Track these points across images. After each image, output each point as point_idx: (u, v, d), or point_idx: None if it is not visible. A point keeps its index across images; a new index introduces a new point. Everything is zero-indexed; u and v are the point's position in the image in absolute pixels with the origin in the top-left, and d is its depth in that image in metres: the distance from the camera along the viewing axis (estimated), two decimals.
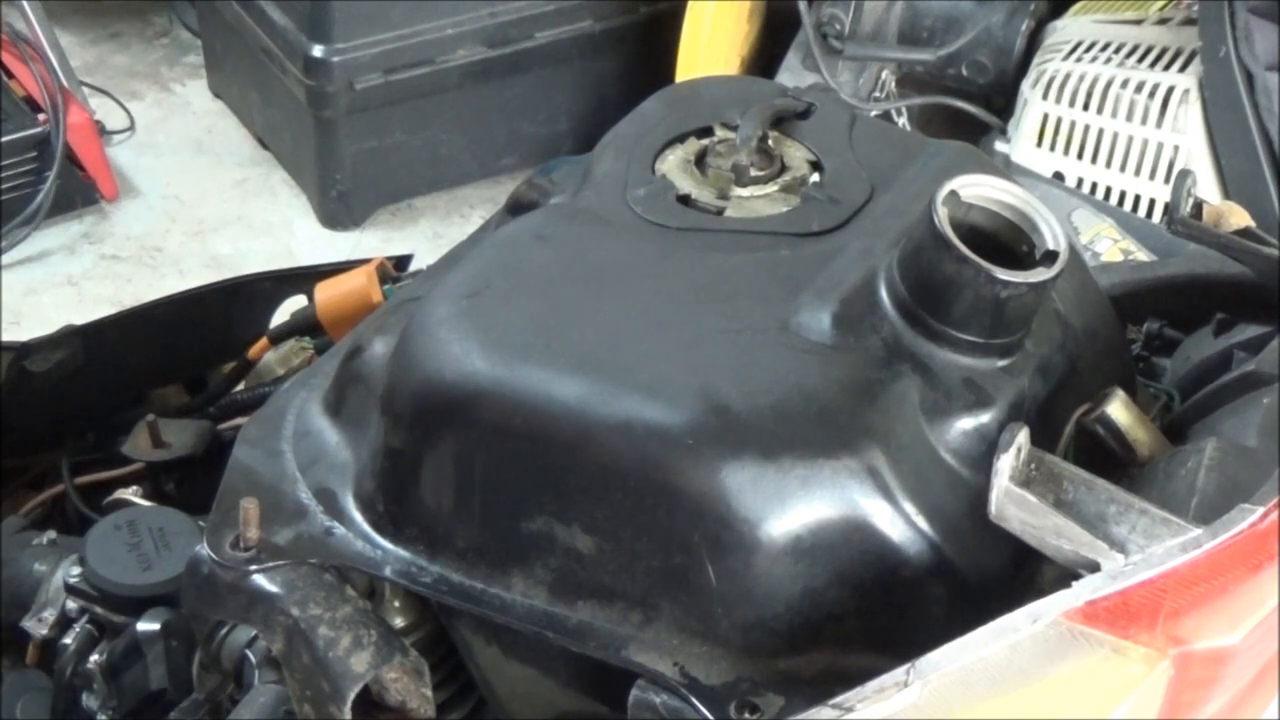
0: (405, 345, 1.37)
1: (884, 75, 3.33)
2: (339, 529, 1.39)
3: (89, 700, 1.70)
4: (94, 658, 1.70)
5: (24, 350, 2.14)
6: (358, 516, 1.40)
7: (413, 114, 3.58)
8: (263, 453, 1.46)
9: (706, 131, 1.55)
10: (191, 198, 3.71)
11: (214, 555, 1.39)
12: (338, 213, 3.63)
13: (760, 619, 1.25)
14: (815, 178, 1.50)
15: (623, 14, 3.67)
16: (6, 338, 2.46)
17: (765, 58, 3.48)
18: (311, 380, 1.52)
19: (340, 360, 1.48)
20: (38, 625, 1.75)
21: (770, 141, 1.53)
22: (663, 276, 1.38)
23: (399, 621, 1.41)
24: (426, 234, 3.61)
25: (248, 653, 1.51)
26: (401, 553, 1.37)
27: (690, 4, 3.34)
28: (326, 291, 2.01)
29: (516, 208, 1.58)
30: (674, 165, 1.51)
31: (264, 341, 2.08)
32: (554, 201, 1.55)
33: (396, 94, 3.52)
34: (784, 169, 1.50)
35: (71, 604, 1.72)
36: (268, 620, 1.37)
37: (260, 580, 1.37)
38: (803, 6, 3.24)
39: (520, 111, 3.70)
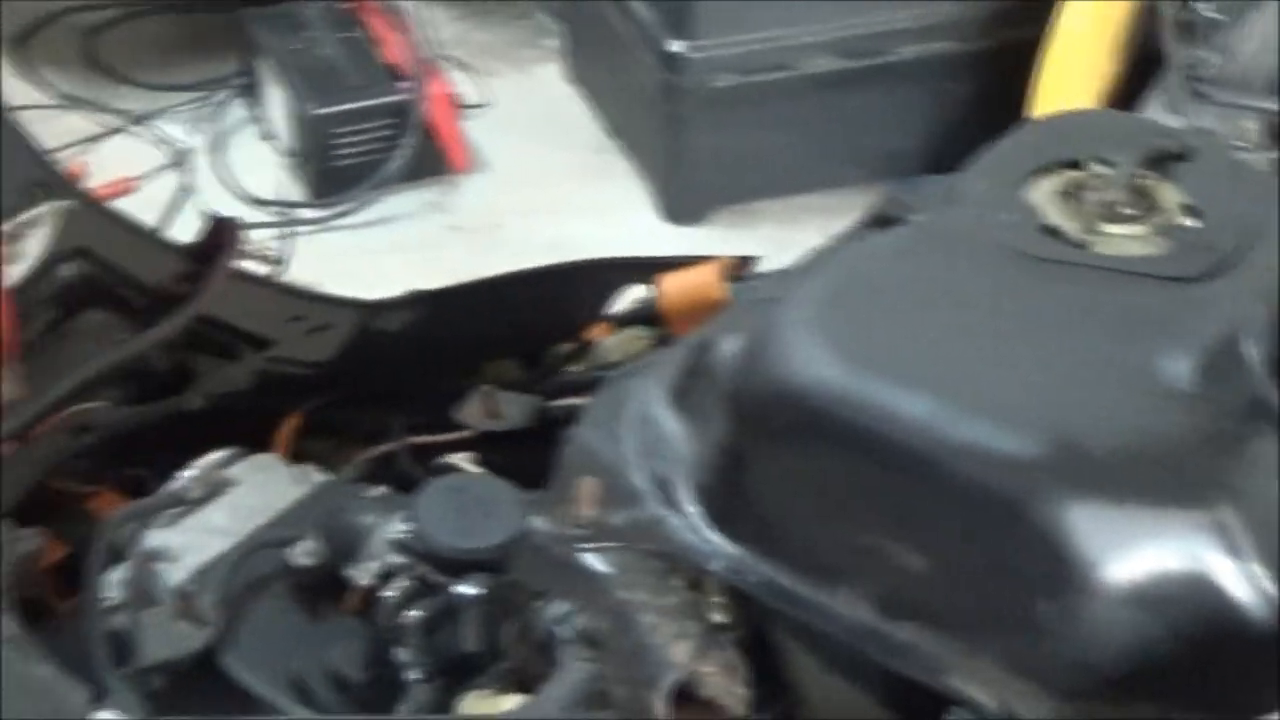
0: (757, 345, 1.37)
1: (1250, 124, 3.25)
2: (672, 518, 1.41)
3: (402, 654, 1.74)
4: (411, 613, 1.73)
5: (373, 309, 2.20)
6: (691, 508, 1.40)
7: (763, 117, 3.59)
8: (605, 434, 1.48)
9: (1078, 164, 1.54)
10: (537, 178, 3.77)
11: (549, 529, 1.42)
12: (679, 207, 3.66)
13: (1088, 663, 1.24)
14: (1189, 222, 1.47)
15: (983, 38, 3.64)
16: (349, 295, 2.54)
17: (1125, 96, 3.42)
18: (659, 369, 1.53)
19: (689, 352, 1.50)
20: (362, 575, 1.79)
21: (1145, 181, 1.50)
22: (1022, 305, 1.37)
23: (719, 617, 1.41)
24: (764, 237, 3.61)
25: (559, 629, 1.53)
26: (731, 549, 1.38)
27: (1054, 36, 3.30)
28: (672, 284, 2.03)
29: (876, 221, 1.58)
30: (1042, 195, 1.50)
31: (604, 326, 2.11)
32: (915, 219, 1.55)
33: (750, 95, 3.53)
34: (1157, 210, 1.48)
35: (395, 559, 1.76)
36: (594, 599, 1.39)
37: (591, 559, 1.40)
38: (1171, 47, 3.18)
39: (869, 125, 3.69)
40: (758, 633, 1.41)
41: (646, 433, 1.47)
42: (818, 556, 1.33)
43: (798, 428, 1.32)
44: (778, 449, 1.34)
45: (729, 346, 1.44)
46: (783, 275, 1.69)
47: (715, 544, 1.38)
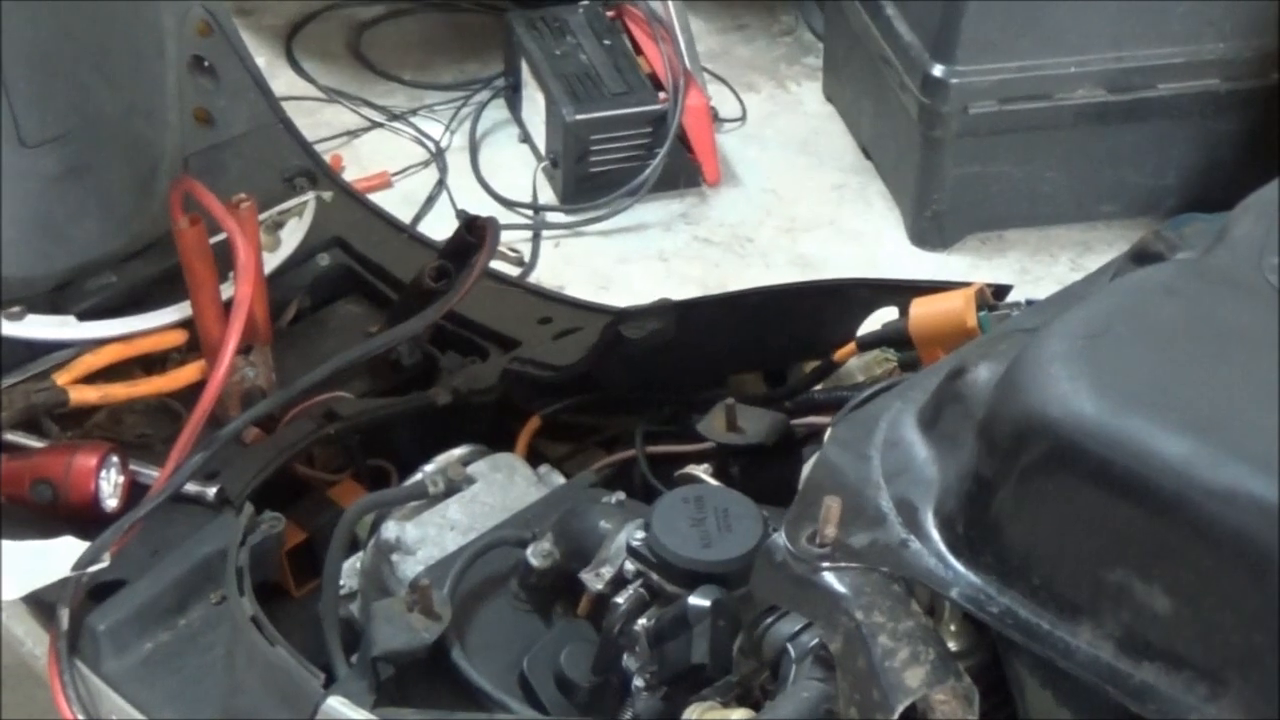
0: (1014, 374, 1.35)
1: None
2: (914, 542, 1.39)
3: (629, 661, 1.74)
4: (641, 621, 1.73)
5: (621, 316, 2.21)
6: (934, 534, 1.39)
7: (1020, 146, 3.55)
8: (852, 455, 1.47)
9: None
10: (789, 195, 3.77)
11: (790, 546, 1.41)
12: (929, 232, 3.63)
13: None
14: None
15: (1252, 77, 3.56)
16: (597, 300, 2.56)
17: None
18: (909, 393, 1.52)
19: (942, 378, 1.48)
20: (594, 580, 1.80)
21: None
22: None
23: (954, 645, 1.40)
24: (1014, 267, 3.57)
25: (789, 646, 1.52)
26: (972, 578, 1.36)
27: None
28: (922, 308, 2.01)
29: (1141, 257, 1.55)
30: None
31: (851, 346, 2.09)
32: (1182, 256, 1.52)
33: (1008, 124, 3.50)
34: None
35: (630, 565, 1.77)
36: (830, 619, 1.38)
37: (830, 578, 1.38)
38: None
39: (1128, 160, 3.63)
40: (993, 663, 1.39)
41: (894, 456, 1.46)
42: (1061, 591, 1.31)
43: (1051, 461, 1.30)
44: (1025, 480, 1.32)
45: (984, 374, 1.42)
46: (1042, 305, 1.66)
47: (957, 571, 1.37)
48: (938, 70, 3.43)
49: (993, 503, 1.34)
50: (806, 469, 1.64)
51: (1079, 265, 3.56)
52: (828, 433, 1.58)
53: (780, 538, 1.43)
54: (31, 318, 2.29)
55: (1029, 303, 1.95)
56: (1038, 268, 3.60)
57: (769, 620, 1.54)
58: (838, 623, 1.38)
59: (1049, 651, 1.31)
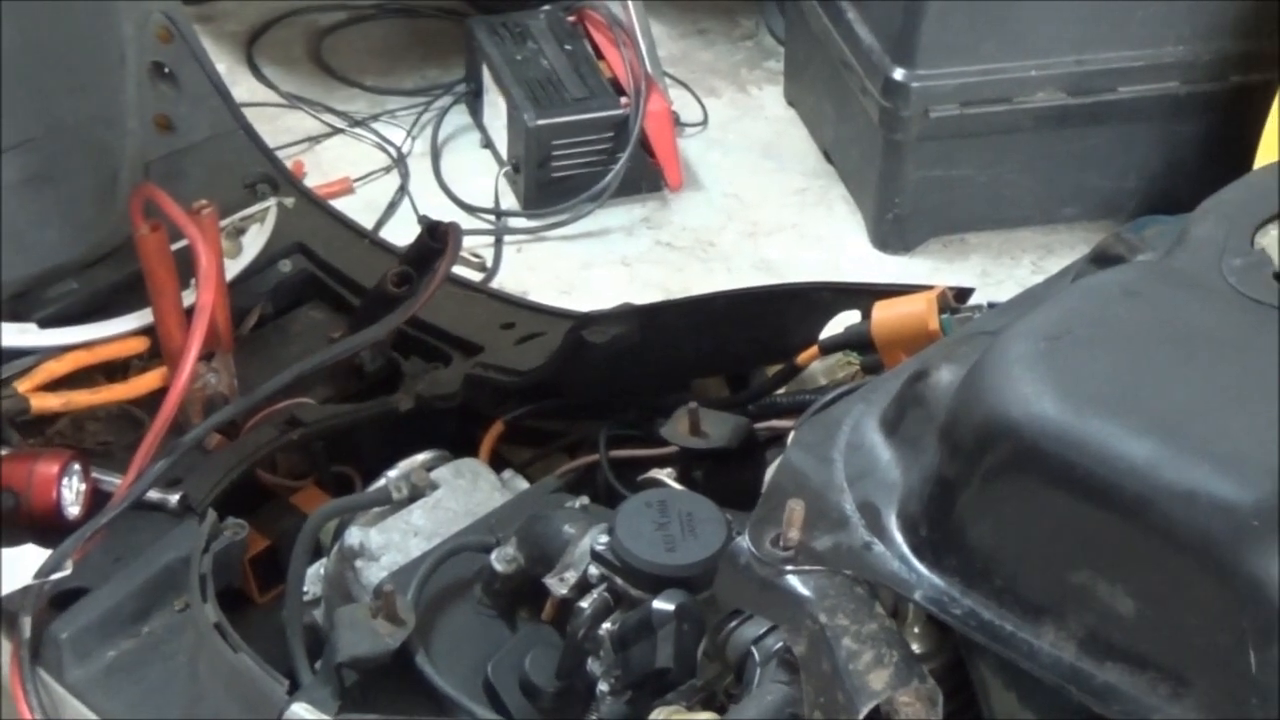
0: (976, 377, 1.36)
1: None
2: (877, 545, 1.40)
3: (594, 665, 1.75)
4: (606, 625, 1.74)
5: (584, 321, 2.21)
6: (898, 537, 1.40)
7: (981, 149, 3.56)
8: (814, 458, 1.48)
9: None
10: (751, 199, 3.77)
11: (754, 549, 1.41)
12: (890, 235, 3.64)
13: None
14: None
15: (1211, 79, 3.58)
16: (560, 305, 2.56)
17: None
18: (871, 395, 1.53)
19: (905, 381, 1.49)
20: (559, 584, 1.80)
21: None
22: (1250, 351, 1.34)
23: (918, 647, 1.40)
24: (975, 270, 3.58)
25: (753, 649, 1.52)
26: (936, 580, 1.36)
27: None
28: (884, 311, 2.01)
29: (1102, 259, 1.56)
30: (1275, 241, 1.47)
31: (814, 350, 2.10)
32: (1143, 259, 1.52)
33: (969, 127, 3.50)
34: None
35: (594, 570, 1.77)
36: (794, 622, 1.38)
37: (794, 581, 1.39)
38: None
39: (1090, 163, 3.64)
40: (957, 665, 1.40)
41: (856, 459, 1.47)
42: (1024, 593, 1.31)
43: (1013, 463, 1.31)
44: (987, 482, 1.32)
45: (946, 377, 1.43)
46: (1004, 308, 1.67)
47: (920, 574, 1.37)
48: (898, 74, 3.43)
49: (955, 505, 1.35)
50: (770, 472, 1.65)
51: (1040, 268, 3.57)
52: (790, 436, 1.59)
53: (744, 541, 1.44)
54: None
55: (991, 305, 1.96)
56: (999, 270, 3.60)
57: (733, 624, 1.55)
58: (802, 626, 1.38)
59: (1012, 653, 1.31)
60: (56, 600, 1.98)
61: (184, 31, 2.54)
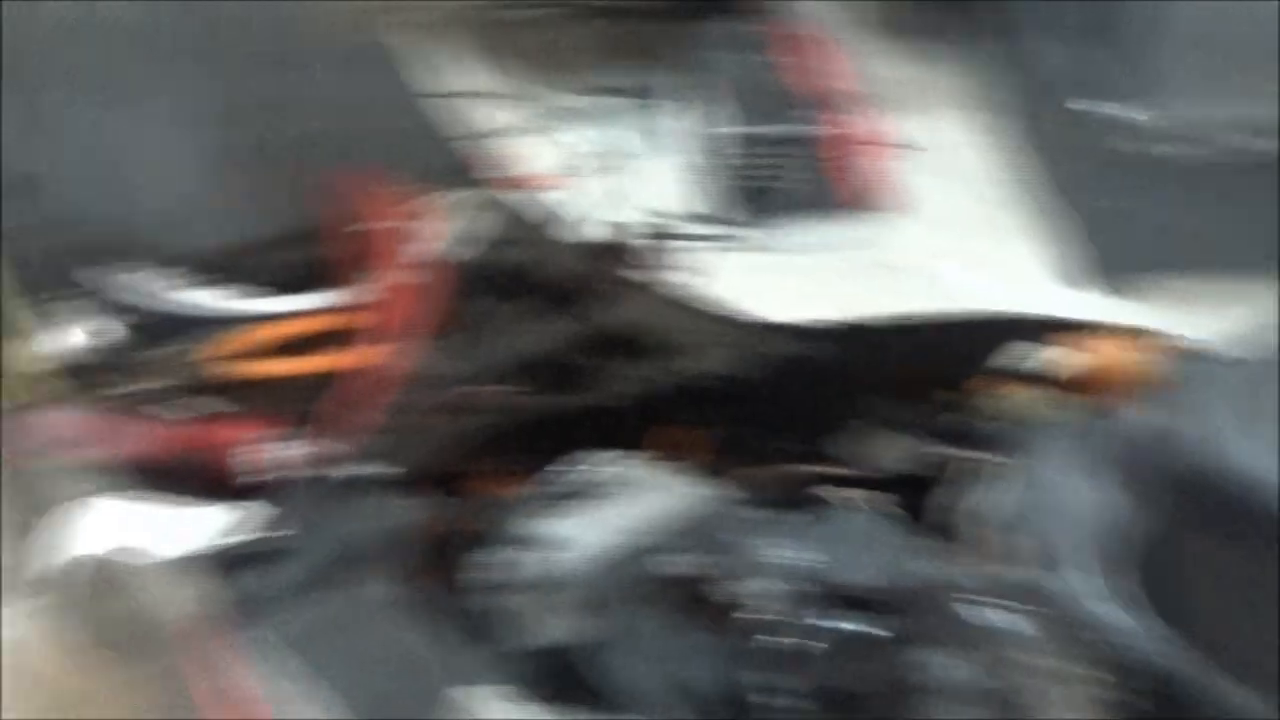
0: (1190, 426, 1.34)
1: None
2: (1074, 584, 1.39)
3: (759, 679, 1.74)
4: (777, 640, 1.73)
5: (781, 333, 2.22)
6: (1095, 578, 1.39)
7: (1195, 191, 3.48)
8: (1015, 491, 1.47)
9: None
10: (946, 224, 3.71)
11: (941, 576, 1.41)
12: (1097, 273, 3.57)
13: None
14: None
15: None
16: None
17: None
18: (1074, 435, 1.52)
19: (1111, 424, 1.47)
20: (733, 594, 1.80)
21: None
22: None
23: (1108, 691, 1.38)
24: (1184, 315, 3.51)
25: (934, 679, 1.51)
26: (1132, 624, 1.36)
27: None
28: (1083, 349, 1.99)
29: None
30: None
31: (1002, 380, 2.08)
32: None
33: (1186, 167, 3.43)
34: None
35: (771, 583, 1.77)
36: (977, 654, 1.38)
37: (981, 613, 1.39)
38: None
39: None
40: (1147, 711, 1.38)
41: (1057, 496, 1.45)
42: (1227, 645, 1.29)
43: (1224, 516, 1.29)
44: (1201, 534, 1.30)
45: (1157, 423, 1.41)
46: (1219, 356, 1.64)
47: (1116, 616, 1.36)
48: (1113, 109, 3.39)
49: (1160, 552, 1.33)
50: (966, 503, 1.64)
51: (1246, 320, 3.50)
52: (990, 468, 1.58)
53: (931, 567, 1.43)
54: (197, 290, 2.32)
55: (1209, 353, 1.93)
56: (1200, 319, 3.54)
57: (914, 650, 1.54)
58: (984, 659, 1.37)
59: (1208, 705, 1.30)
60: (240, 563, 2.01)
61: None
